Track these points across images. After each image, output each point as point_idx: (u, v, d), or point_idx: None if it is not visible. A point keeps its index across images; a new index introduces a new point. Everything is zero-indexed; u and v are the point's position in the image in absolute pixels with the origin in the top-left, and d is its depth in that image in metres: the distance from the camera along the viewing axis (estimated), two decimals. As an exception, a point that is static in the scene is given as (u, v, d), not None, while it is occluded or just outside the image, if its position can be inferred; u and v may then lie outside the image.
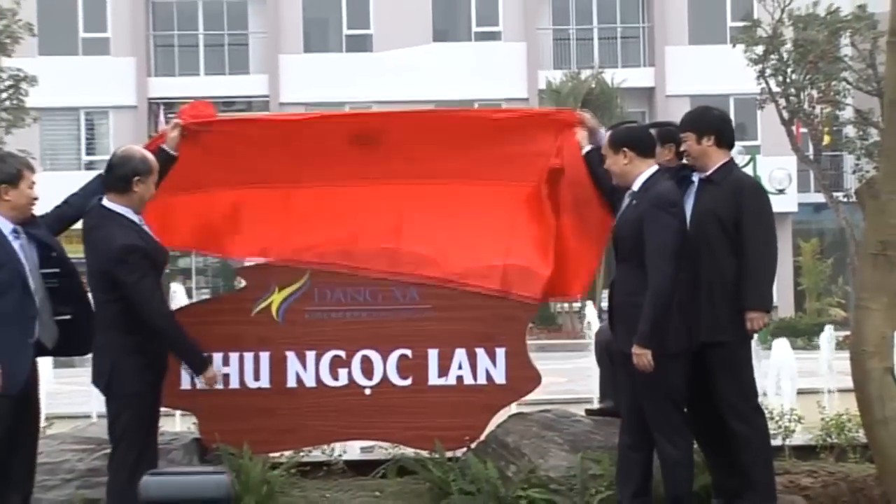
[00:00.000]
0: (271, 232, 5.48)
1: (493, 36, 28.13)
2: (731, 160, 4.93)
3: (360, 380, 5.39)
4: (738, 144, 5.37)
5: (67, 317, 4.59)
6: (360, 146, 5.39)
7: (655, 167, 4.68)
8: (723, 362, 4.72)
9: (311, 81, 25.80)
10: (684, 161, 4.94)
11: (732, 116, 5.25)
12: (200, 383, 4.84)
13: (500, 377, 5.41)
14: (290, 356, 5.37)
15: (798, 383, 8.66)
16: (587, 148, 5.16)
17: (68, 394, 9.45)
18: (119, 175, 4.55)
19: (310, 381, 5.38)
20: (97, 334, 4.57)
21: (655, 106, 27.29)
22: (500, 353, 5.41)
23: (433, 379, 5.40)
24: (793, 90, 22.70)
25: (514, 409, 5.89)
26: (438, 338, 5.40)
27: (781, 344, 9.03)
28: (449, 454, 5.35)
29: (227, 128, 5.45)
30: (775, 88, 22.69)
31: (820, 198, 25.18)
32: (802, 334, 19.63)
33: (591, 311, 14.14)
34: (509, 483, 5.10)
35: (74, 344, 4.67)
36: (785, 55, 22.37)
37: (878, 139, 21.05)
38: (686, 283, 4.53)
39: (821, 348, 10.16)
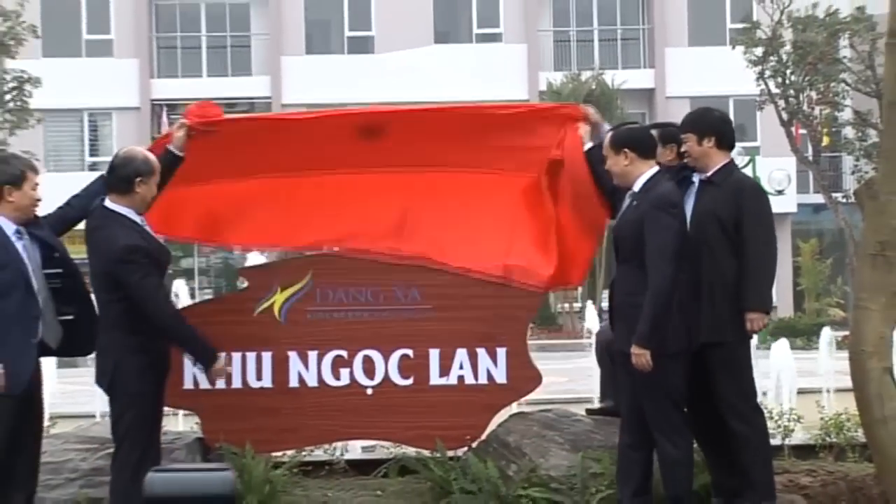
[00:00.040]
0: (275, 219, 5.50)
1: (494, 37, 28.16)
2: (732, 161, 4.95)
3: (362, 379, 5.42)
4: (738, 145, 5.38)
5: (70, 317, 4.61)
6: (366, 139, 5.39)
7: (656, 168, 4.70)
8: (722, 362, 4.74)
9: (313, 83, 25.84)
10: (685, 161, 4.95)
11: (732, 118, 5.26)
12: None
13: (501, 377, 5.44)
14: (293, 356, 5.39)
15: (797, 383, 8.68)
16: (589, 145, 5.15)
17: (71, 393, 9.46)
18: (121, 176, 4.57)
19: (312, 381, 5.40)
20: (100, 334, 4.58)
21: (655, 107, 27.32)
22: (501, 352, 5.43)
23: (434, 379, 5.42)
24: (792, 91, 22.73)
25: (514, 408, 5.91)
26: (439, 338, 5.42)
27: (781, 345, 9.05)
28: (450, 453, 5.37)
29: (232, 128, 5.42)
30: (774, 90, 22.72)
31: (819, 198, 25.20)
32: (801, 334, 19.65)
33: (591, 313, 14.15)
34: (510, 482, 5.11)
35: (77, 344, 4.69)
36: (784, 57, 22.40)
37: (876, 140, 21.06)
38: (686, 283, 4.55)
39: (820, 348, 10.18)
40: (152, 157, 4.71)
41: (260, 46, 28.23)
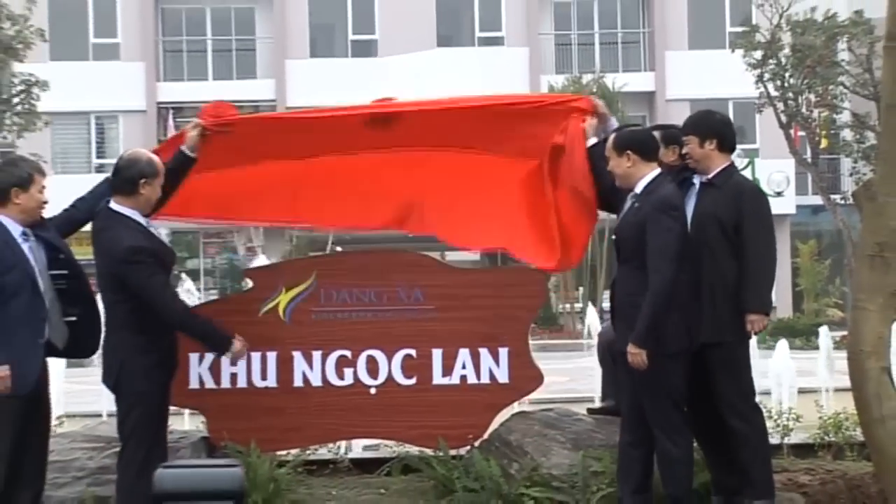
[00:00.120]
0: (284, 198, 5.52)
1: (497, 41, 28.24)
2: (732, 164, 4.97)
3: (366, 379, 5.45)
4: (737, 148, 5.39)
5: (74, 318, 4.64)
6: (378, 128, 5.36)
7: (658, 170, 4.72)
8: (722, 362, 4.76)
9: (317, 86, 25.88)
10: (686, 163, 4.97)
11: (731, 120, 5.28)
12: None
13: (503, 377, 5.47)
14: (297, 356, 5.43)
15: (796, 382, 8.71)
16: (593, 140, 5.13)
17: (78, 393, 9.48)
18: (126, 177, 4.59)
19: (316, 381, 5.43)
20: (107, 334, 4.62)
21: (656, 110, 27.36)
22: (503, 352, 5.47)
23: (437, 378, 5.46)
24: (791, 94, 22.79)
25: (516, 407, 5.95)
26: (442, 338, 5.46)
27: (781, 347, 9.08)
28: (453, 452, 5.40)
29: (247, 128, 5.36)
30: (773, 92, 22.78)
31: (817, 200, 25.28)
32: (800, 334, 19.71)
33: (591, 314, 14.18)
34: (512, 480, 5.14)
35: (80, 345, 4.72)
36: (783, 60, 22.46)
37: (874, 142, 21.09)
38: (687, 284, 4.58)
39: (819, 348, 10.22)
40: (156, 158, 4.73)
41: (264, 50, 28.31)
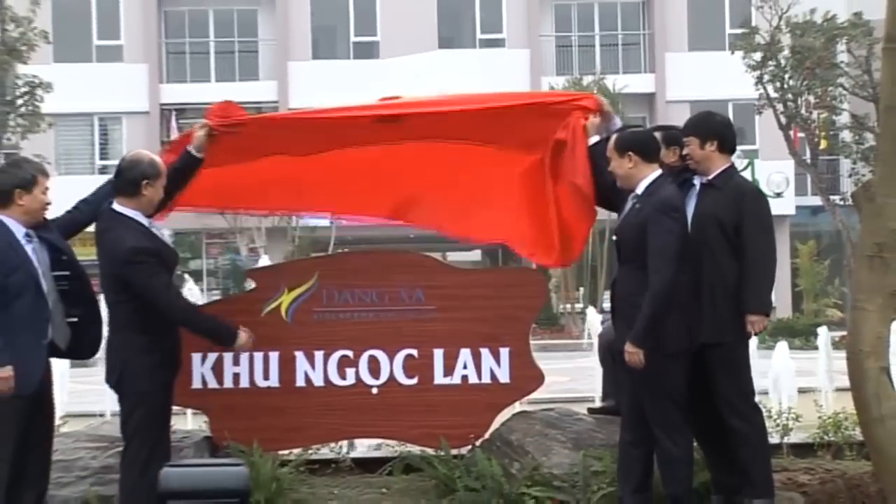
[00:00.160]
0: (290, 186, 5.53)
1: (498, 43, 28.28)
2: (733, 165, 4.98)
3: (368, 379, 5.48)
4: (737, 149, 5.40)
5: (75, 319, 4.65)
6: (384, 125, 5.35)
7: (659, 171, 4.74)
8: (722, 362, 4.78)
9: (320, 87, 25.90)
10: (687, 163, 4.98)
11: (731, 121, 5.30)
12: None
13: (504, 376, 5.50)
14: (299, 356, 5.45)
15: (796, 382, 8.73)
16: (594, 139, 5.13)
17: (82, 393, 9.50)
18: (128, 179, 4.60)
19: (318, 381, 5.46)
20: (110, 334, 4.63)
21: (656, 111, 27.39)
22: (504, 352, 5.50)
23: (439, 378, 5.48)
24: (790, 96, 22.84)
25: (517, 407, 5.97)
26: (444, 338, 5.48)
27: (781, 348, 9.10)
28: (454, 452, 5.42)
29: (254, 129, 5.33)
30: (773, 94, 22.82)
31: (817, 201, 25.32)
32: (800, 334, 19.74)
33: (592, 314, 14.20)
34: (513, 480, 5.16)
35: (81, 346, 4.74)
36: (782, 61, 22.51)
37: (873, 144, 21.14)
38: (687, 284, 4.60)
39: (819, 348, 10.24)
40: (158, 159, 4.74)
41: (267, 52, 28.36)
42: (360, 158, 5.51)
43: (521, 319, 5.58)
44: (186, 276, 12.84)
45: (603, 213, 5.32)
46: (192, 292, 10.29)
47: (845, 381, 5.12)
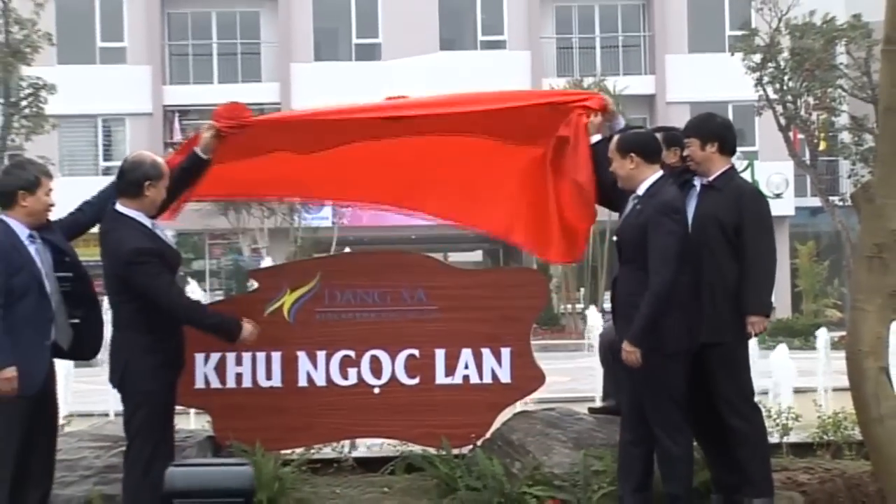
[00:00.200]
0: (295, 174, 5.54)
1: (499, 44, 28.35)
2: (733, 167, 5.01)
3: (370, 379, 5.49)
4: (737, 150, 5.41)
5: (77, 320, 4.67)
6: (391, 122, 5.38)
7: (660, 172, 4.76)
8: (722, 362, 4.80)
9: (322, 89, 25.87)
10: (687, 164, 5.00)
11: (732, 123, 5.32)
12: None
13: (505, 376, 5.52)
14: (301, 356, 5.47)
15: (795, 382, 8.75)
16: (596, 138, 5.13)
17: (86, 392, 9.51)
18: (130, 180, 4.62)
19: (320, 381, 5.47)
20: (114, 334, 4.65)
21: (656, 113, 27.43)
22: (506, 352, 5.51)
23: (440, 378, 5.50)
24: (790, 97, 22.87)
25: (518, 407, 6.00)
26: (445, 338, 5.50)
27: (780, 349, 9.13)
28: (455, 451, 5.43)
29: (261, 130, 5.33)
30: (773, 95, 22.86)
31: (816, 202, 25.36)
32: (799, 335, 19.77)
33: (592, 314, 14.22)
34: (514, 479, 5.17)
35: (83, 346, 4.75)
36: (782, 63, 22.55)
37: (872, 145, 21.21)
38: (687, 284, 4.63)
39: (818, 348, 10.26)
40: (161, 161, 4.75)
41: (269, 54, 28.41)
42: (365, 148, 5.50)
43: (522, 320, 5.60)
44: (189, 278, 12.83)
45: (604, 214, 5.34)
46: (195, 293, 10.28)
47: (845, 381, 5.13)
